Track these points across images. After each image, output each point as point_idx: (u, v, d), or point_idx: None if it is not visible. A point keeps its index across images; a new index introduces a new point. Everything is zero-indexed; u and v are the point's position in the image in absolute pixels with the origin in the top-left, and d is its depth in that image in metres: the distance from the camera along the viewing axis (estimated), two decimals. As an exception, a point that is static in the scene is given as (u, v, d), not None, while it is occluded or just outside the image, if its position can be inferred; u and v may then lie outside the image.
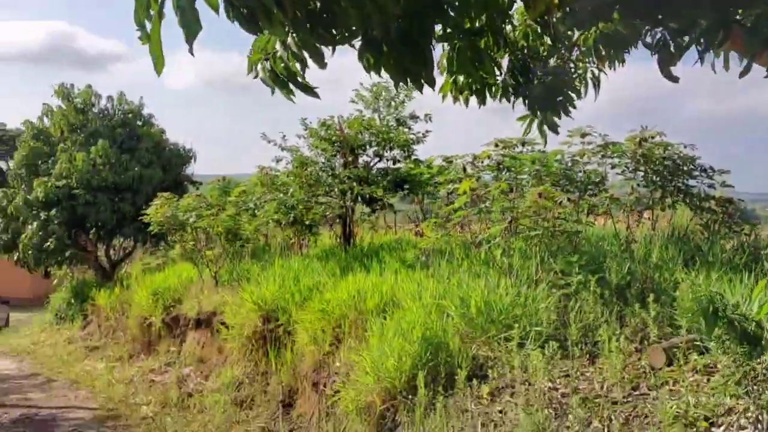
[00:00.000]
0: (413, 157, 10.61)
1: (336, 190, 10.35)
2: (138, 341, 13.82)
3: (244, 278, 11.27)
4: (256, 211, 11.29)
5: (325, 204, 10.94)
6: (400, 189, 10.29)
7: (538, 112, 4.21)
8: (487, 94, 3.63)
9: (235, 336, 9.33)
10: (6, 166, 51.63)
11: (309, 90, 3.09)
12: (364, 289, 7.39)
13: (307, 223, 10.94)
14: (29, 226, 19.54)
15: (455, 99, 3.87)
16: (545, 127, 4.56)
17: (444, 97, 3.96)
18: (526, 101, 3.82)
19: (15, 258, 20.92)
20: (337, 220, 11.15)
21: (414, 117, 10.76)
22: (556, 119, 4.40)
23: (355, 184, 10.00)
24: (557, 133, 4.70)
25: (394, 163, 10.69)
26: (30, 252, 19.49)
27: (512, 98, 3.78)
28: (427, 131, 10.77)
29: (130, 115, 21.35)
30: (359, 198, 10.17)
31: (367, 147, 10.58)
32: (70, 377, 13.47)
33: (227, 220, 12.57)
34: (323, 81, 3.32)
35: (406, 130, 10.65)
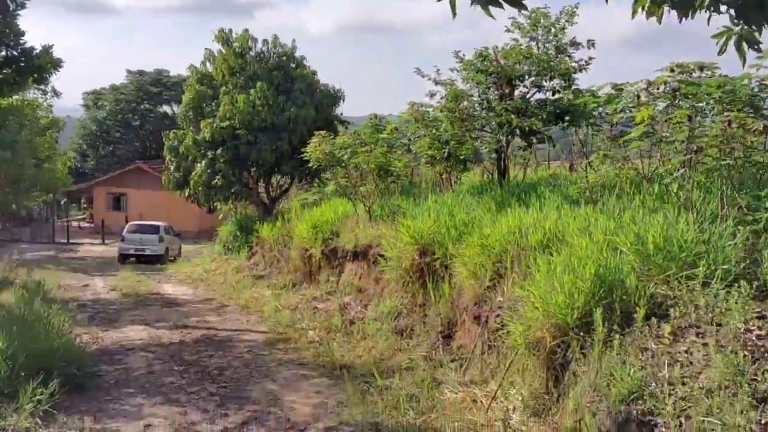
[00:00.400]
0: (574, 87, 10.07)
1: (493, 123, 10.10)
2: (300, 271, 14.65)
3: (397, 213, 11.49)
4: (411, 147, 11.33)
5: (479, 138, 10.76)
6: (561, 120, 9.83)
7: (742, 26, 3.73)
8: (694, 3, 3.26)
9: (393, 268, 9.58)
10: (171, 111, 56.22)
11: (516, 2, 2.92)
12: (525, 224, 7.25)
13: (461, 158, 10.83)
14: (198, 165, 21.12)
15: (649, 13, 3.52)
16: (744, 45, 4.05)
17: (635, 13, 3.63)
18: (736, 11, 3.39)
19: (186, 194, 22.77)
20: (493, 155, 10.94)
21: (575, 44, 10.15)
22: (757, 35, 3.89)
23: (512, 116, 9.69)
24: (759, 49, 4.17)
25: (553, 94, 10.21)
26: (200, 188, 21.12)
27: (720, 8, 3.36)
28: (590, 58, 10.14)
29: (284, 58, 22.11)
30: (516, 131, 9.86)
31: (525, 77, 10.16)
32: (240, 303, 14.64)
33: (379, 157, 12.81)
34: (475, 13, 3.12)
35: (566, 58, 10.09)
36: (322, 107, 21.89)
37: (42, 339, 8.11)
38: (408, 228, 9.40)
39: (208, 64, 22.53)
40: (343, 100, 23.07)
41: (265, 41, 22.24)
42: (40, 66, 7.57)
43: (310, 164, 14.08)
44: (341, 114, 23.10)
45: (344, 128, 21.68)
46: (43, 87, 12.88)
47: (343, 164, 13.19)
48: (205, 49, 22.36)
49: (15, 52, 7.51)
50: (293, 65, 22.24)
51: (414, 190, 13.09)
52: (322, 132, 14.25)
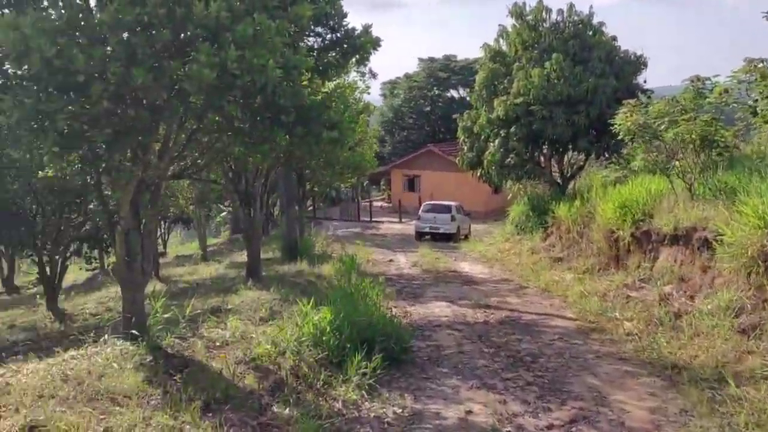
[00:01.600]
0: None
1: None
2: (604, 254, 13.54)
3: (727, 190, 9.84)
4: (758, 109, 9.54)
5: None
6: None
7: None
8: None
9: (732, 255, 8.12)
10: (458, 94, 57.82)
11: None
12: None
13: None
14: (491, 144, 20.97)
15: None
16: None
17: None
18: None
19: (478, 174, 22.86)
20: None
21: None
22: None
23: None
24: None
25: None
26: (493, 168, 20.98)
27: None
28: None
29: (580, 26, 20.78)
30: None
31: None
32: (540, 285, 14.07)
33: (703, 126, 11.13)
34: None
35: None
36: (622, 75, 20.09)
37: (362, 311, 8.49)
38: (754, 208, 7.86)
39: (501, 40, 22.19)
40: (646, 67, 20.96)
41: (560, 11, 21.13)
42: (361, 46, 7.80)
43: (619, 136, 12.83)
44: (644, 82, 21.02)
45: (647, 98, 19.66)
46: (362, 68, 13.81)
47: (659, 135, 11.73)
48: (499, 25, 22.05)
49: (338, 34, 7.83)
50: (590, 33, 20.78)
51: (747, 162, 11.13)
52: (632, 101, 12.90)
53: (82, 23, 5.87)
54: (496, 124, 20.58)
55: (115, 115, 6.38)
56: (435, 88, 56.69)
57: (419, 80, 56.81)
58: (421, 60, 58.51)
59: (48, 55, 5.51)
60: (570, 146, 20.90)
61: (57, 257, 15.10)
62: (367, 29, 7.96)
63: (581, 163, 22.50)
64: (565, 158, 22.30)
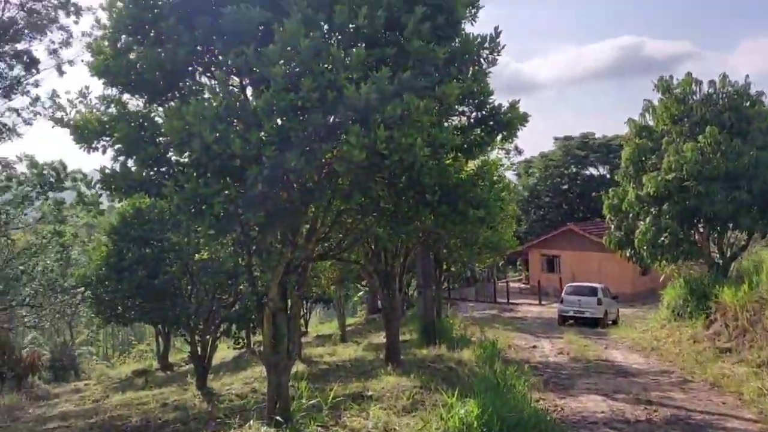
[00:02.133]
0: None
1: None
2: (784, 346, 11.94)
3: None
4: None
5: None
6: None
7: None
8: None
9: None
10: (597, 172, 56.02)
11: None
12: None
13: None
14: (641, 222, 19.75)
15: None
16: None
17: None
18: None
19: (627, 254, 21.49)
20: None
21: None
22: None
23: None
24: None
25: None
26: (644, 247, 19.65)
27: None
28: None
29: (735, 97, 19.46)
30: None
31: None
32: (707, 379, 12.59)
33: None
34: None
35: None
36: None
37: (511, 405, 7.87)
38: None
39: (647, 115, 21.25)
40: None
41: (711, 82, 19.96)
42: (508, 122, 7.56)
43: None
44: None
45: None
46: (507, 146, 13.58)
47: None
48: (644, 100, 21.20)
49: (483, 112, 7.66)
50: (748, 103, 19.38)
51: None
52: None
53: (239, 109, 6.11)
54: (646, 201, 19.43)
55: (268, 198, 6.52)
56: (572, 166, 55.38)
57: (555, 158, 55.84)
58: (556, 139, 57.70)
59: (208, 141, 5.75)
60: (730, 224, 19.24)
61: (208, 337, 15.69)
62: (514, 105, 7.73)
63: (744, 243, 20.55)
64: (725, 237, 20.46)
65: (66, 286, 14.63)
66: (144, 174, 6.87)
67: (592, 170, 56.42)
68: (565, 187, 55.91)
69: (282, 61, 5.97)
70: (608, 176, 52.50)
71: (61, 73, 35.61)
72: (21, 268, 12.50)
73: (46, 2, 36.20)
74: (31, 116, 35.03)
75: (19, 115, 35.30)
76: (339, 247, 9.61)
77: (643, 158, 20.55)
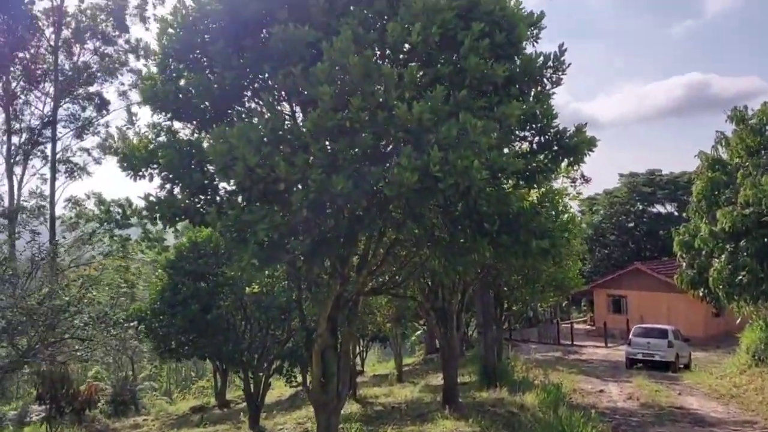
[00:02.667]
0: None
1: None
2: None
3: None
4: None
5: None
6: None
7: None
8: None
9: None
10: (665, 209, 53.99)
11: None
12: None
13: None
14: (716, 260, 18.52)
15: None
16: None
17: None
18: None
19: (701, 294, 20.19)
20: None
21: None
22: None
23: None
24: None
25: None
26: (720, 287, 18.37)
27: None
28: None
29: (818, 126, 18.24)
30: None
31: None
32: (799, 431, 11.41)
33: None
34: None
35: None
36: None
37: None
38: None
39: (719, 148, 20.12)
40: None
41: (789, 112, 18.80)
42: (575, 147, 6.99)
43: None
44: None
45: None
46: (572, 174, 12.86)
47: None
48: (716, 131, 20.05)
49: (547, 136, 7.13)
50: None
51: None
52: None
53: (288, 132, 5.81)
54: (721, 238, 18.21)
55: (314, 225, 6.16)
56: (638, 203, 53.61)
57: (621, 195, 54.18)
58: (621, 175, 56.10)
59: (251, 164, 5.45)
60: (816, 262, 17.80)
61: (261, 374, 15.35)
62: (580, 129, 7.17)
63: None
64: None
65: (117, 320, 14.60)
66: (188, 201, 6.63)
67: (659, 208, 54.58)
68: (631, 225, 54.09)
69: (330, 81, 5.65)
70: (676, 214, 50.55)
71: (131, 116, 37.00)
72: (66, 299, 12.51)
73: (118, 47, 38.02)
74: (101, 155, 36.50)
75: (89, 154, 36.86)
76: (392, 282, 9.16)
77: (717, 192, 19.40)
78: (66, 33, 36.86)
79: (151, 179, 7.06)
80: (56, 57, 36.00)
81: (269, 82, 6.54)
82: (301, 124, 6.06)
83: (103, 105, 37.33)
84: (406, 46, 6.36)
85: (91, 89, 37.61)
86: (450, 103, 5.93)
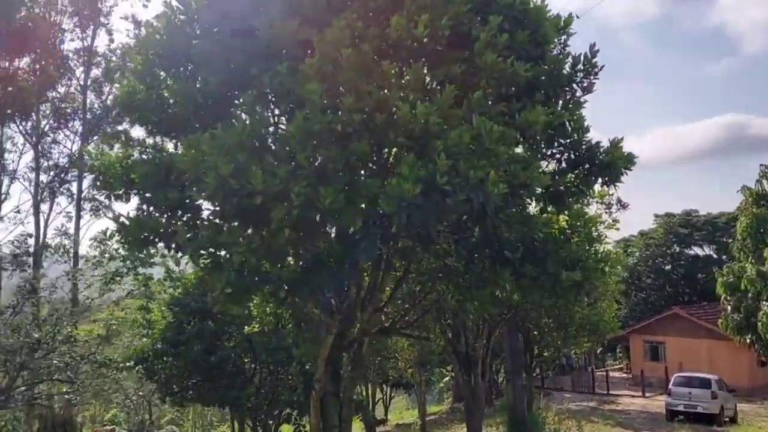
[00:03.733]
0: None
1: None
2: None
3: None
4: None
5: None
6: None
7: None
8: None
9: None
10: (702, 252, 52.03)
11: None
12: None
13: None
14: (765, 303, 17.10)
15: None
16: None
17: None
18: None
19: (748, 340, 18.67)
20: None
21: None
22: None
23: None
24: None
25: None
26: (770, 333, 16.90)
27: None
28: None
29: None
30: None
31: None
32: None
33: None
34: None
35: None
36: None
37: None
38: None
39: (764, 182, 18.86)
40: None
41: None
42: (609, 164, 5.98)
43: None
44: None
45: None
46: (608, 197, 11.69)
47: None
48: (760, 165, 18.88)
49: (578, 152, 6.13)
50: None
51: None
52: None
53: (267, 137, 4.96)
54: (772, 278, 16.85)
55: (300, 247, 5.24)
56: (675, 245, 51.69)
57: (657, 237, 52.35)
58: (657, 216, 54.34)
59: (223, 173, 4.59)
60: None
61: (270, 422, 14.30)
62: (616, 144, 6.16)
63: None
64: None
65: (104, 361, 13.61)
66: (164, 222, 5.77)
67: (696, 250, 52.52)
68: (668, 267, 52.06)
69: (320, 78, 4.81)
70: (715, 256, 48.56)
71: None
72: (36, 336, 11.62)
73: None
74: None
75: (114, 192, 36.83)
76: (404, 321, 8.14)
77: (763, 230, 18.10)
78: (96, 72, 37.27)
79: (127, 199, 6.26)
80: (85, 96, 36.27)
81: (255, 84, 5.72)
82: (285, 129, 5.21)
83: (128, 143, 37.40)
84: (414, 44, 5.50)
85: (120, 128, 37.81)
86: (462, 106, 5.03)
